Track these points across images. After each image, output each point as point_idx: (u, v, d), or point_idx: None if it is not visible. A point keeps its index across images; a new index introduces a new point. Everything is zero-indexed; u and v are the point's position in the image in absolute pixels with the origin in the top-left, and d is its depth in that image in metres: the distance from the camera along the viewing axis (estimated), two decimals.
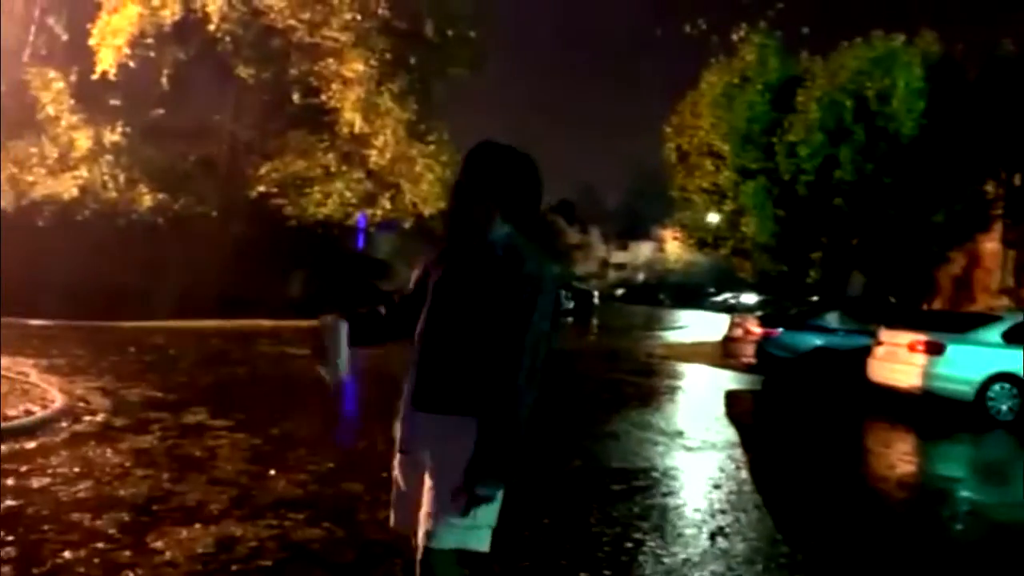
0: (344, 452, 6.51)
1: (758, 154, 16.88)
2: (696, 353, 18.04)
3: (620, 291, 56.83)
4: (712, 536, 4.86)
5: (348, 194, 21.76)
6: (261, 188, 20.99)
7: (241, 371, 11.38)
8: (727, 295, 49.47)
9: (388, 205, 22.25)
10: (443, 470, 2.24)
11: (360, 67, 19.16)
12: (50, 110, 18.01)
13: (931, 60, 17.15)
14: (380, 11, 19.23)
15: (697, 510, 5.45)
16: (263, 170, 20.90)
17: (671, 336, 26.83)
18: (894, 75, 16.38)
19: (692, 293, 54.23)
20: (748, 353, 13.56)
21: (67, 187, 17.88)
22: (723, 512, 5.43)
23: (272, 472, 5.61)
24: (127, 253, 18.27)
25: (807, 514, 5.75)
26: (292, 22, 19.44)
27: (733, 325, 14.88)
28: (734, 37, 14.03)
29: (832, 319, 13.50)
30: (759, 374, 13.47)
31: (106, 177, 18.45)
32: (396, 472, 2.46)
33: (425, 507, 2.27)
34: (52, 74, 17.96)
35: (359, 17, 18.73)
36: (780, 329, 13.23)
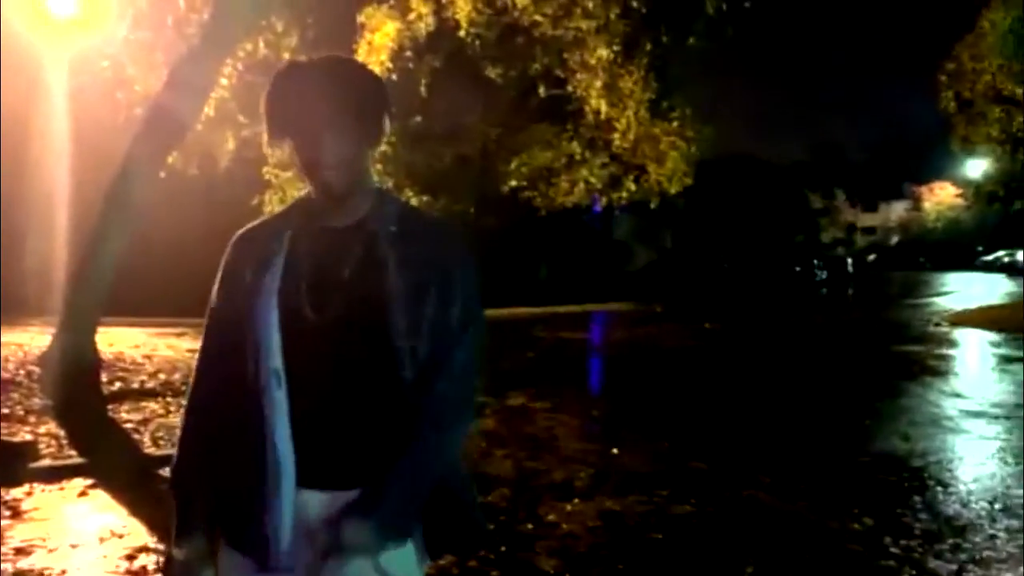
0: (669, 430, 6.67)
1: None
2: (993, 319, 16.36)
3: (871, 256, 52.95)
4: None
5: (593, 180, 22.15)
6: (512, 183, 21.89)
7: (530, 355, 11.95)
8: (1000, 253, 44.62)
9: (633, 187, 22.37)
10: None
11: (604, 53, 19.38)
12: None
13: None
14: None
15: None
16: (513, 165, 21.83)
17: (945, 302, 24.56)
18: None
19: (957, 254, 49.42)
20: None
21: None
22: None
23: (615, 451, 5.87)
24: None
25: None
26: (536, 18, 19.98)
27: None
28: None
29: None
30: None
31: (377, 183, 20.17)
32: None
33: None
34: None
35: (600, 4, 18.90)
36: None
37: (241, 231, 1.60)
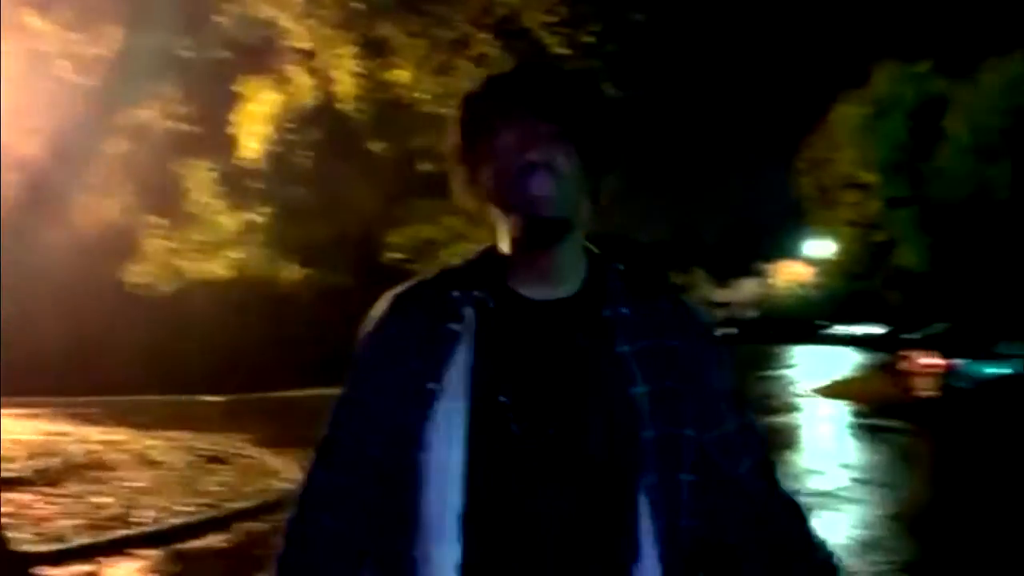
0: None
1: (906, 182, 16.46)
2: (858, 391, 17.22)
3: (732, 330, 55.07)
4: None
5: None
6: (396, 255, 21.77)
7: None
8: (840, 327, 47.93)
9: None
10: None
11: None
12: (199, 198, 19.15)
13: None
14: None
15: None
16: (394, 238, 21.75)
17: (795, 374, 25.49)
18: None
19: (801, 328, 52.55)
20: (926, 386, 13.05)
21: (219, 267, 18.90)
22: None
23: None
24: (278, 327, 19.22)
25: None
26: (418, 95, 20.10)
27: (899, 358, 14.44)
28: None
29: None
30: (941, 408, 12.88)
31: (254, 256, 19.41)
32: None
33: None
34: (199, 163, 19.14)
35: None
36: (959, 361, 12.70)
37: (400, 290, 1.13)
